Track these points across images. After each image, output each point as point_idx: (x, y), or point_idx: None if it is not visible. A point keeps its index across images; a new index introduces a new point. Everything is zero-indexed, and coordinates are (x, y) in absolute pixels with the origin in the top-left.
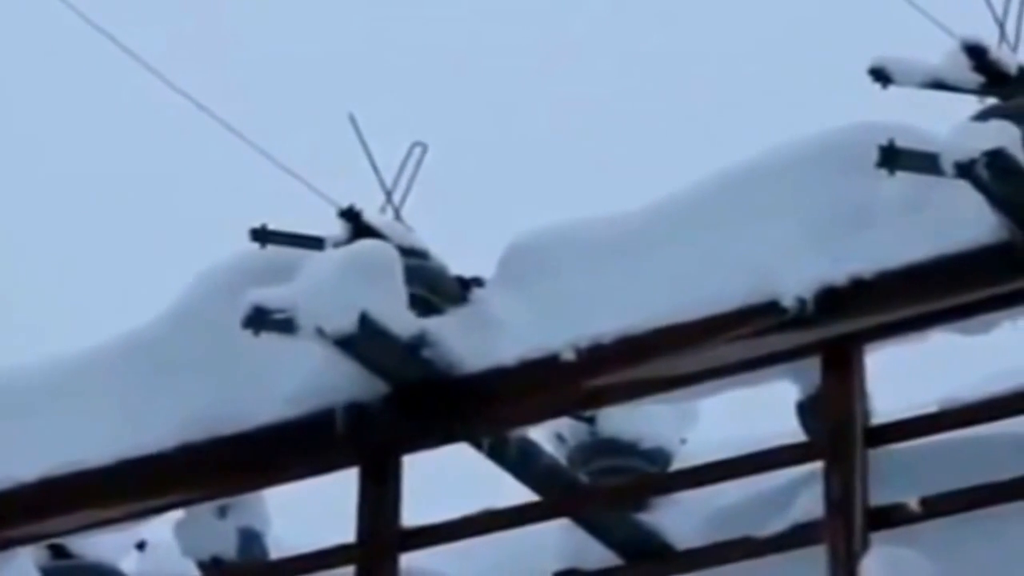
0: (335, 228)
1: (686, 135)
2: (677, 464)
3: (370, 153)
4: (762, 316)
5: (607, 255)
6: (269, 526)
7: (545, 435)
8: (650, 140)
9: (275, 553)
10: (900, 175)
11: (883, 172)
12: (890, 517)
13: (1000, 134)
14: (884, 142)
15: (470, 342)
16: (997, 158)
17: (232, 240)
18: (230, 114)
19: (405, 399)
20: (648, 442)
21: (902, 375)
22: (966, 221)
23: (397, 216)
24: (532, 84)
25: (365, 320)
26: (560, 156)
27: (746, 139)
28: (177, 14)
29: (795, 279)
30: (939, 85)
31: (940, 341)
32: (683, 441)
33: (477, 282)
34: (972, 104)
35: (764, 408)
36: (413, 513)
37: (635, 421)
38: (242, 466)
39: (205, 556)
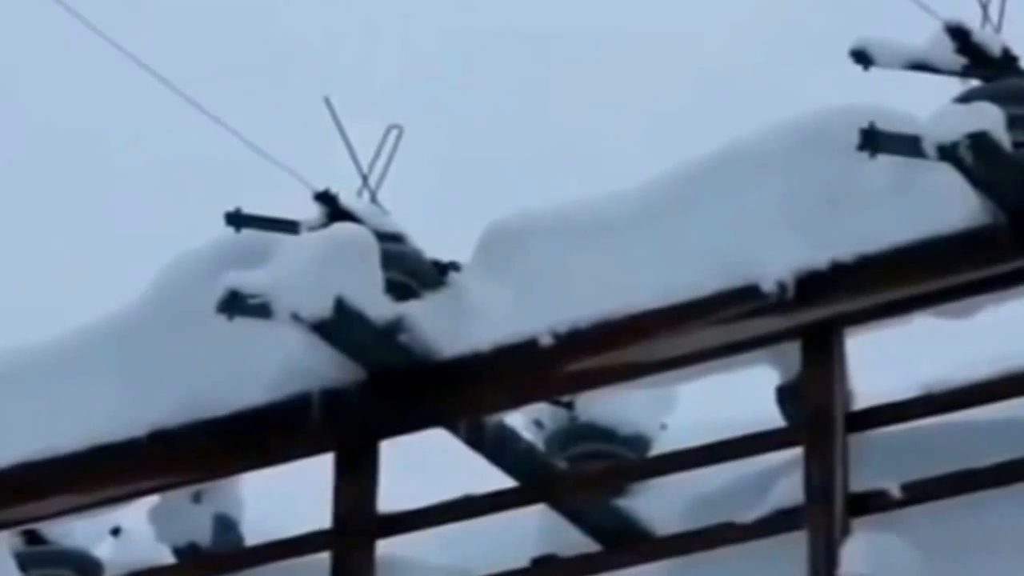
0: (311, 212)
1: (665, 118)
2: (656, 450)
3: (346, 136)
4: (742, 300)
5: (586, 239)
6: (244, 512)
7: (523, 421)
8: (629, 123)
9: (250, 538)
10: (882, 158)
11: (864, 155)
12: (871, 503)
13: (983, 116)
14: (865, 125)
15: (447, 327)
16: (980, 140)
17: (207, 224)
18: (206, 98)
19: (381, 384)
20: (627, 428)
21: (884, 360)
22: (949, 204)
23: (373, 200)
24: (510, 66)
25: (341, 305)
26: (539, 139)
27: (727, 122)
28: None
29: (775, 263)
30: (922, 67)
31: (922, 325)
32: (663, 427)
33: (454, 266)
34: (955, 86)
35: (744, 393)
36: (392, 500)
37: (614, 407)
38: (217, 452)
39: (180, 542)
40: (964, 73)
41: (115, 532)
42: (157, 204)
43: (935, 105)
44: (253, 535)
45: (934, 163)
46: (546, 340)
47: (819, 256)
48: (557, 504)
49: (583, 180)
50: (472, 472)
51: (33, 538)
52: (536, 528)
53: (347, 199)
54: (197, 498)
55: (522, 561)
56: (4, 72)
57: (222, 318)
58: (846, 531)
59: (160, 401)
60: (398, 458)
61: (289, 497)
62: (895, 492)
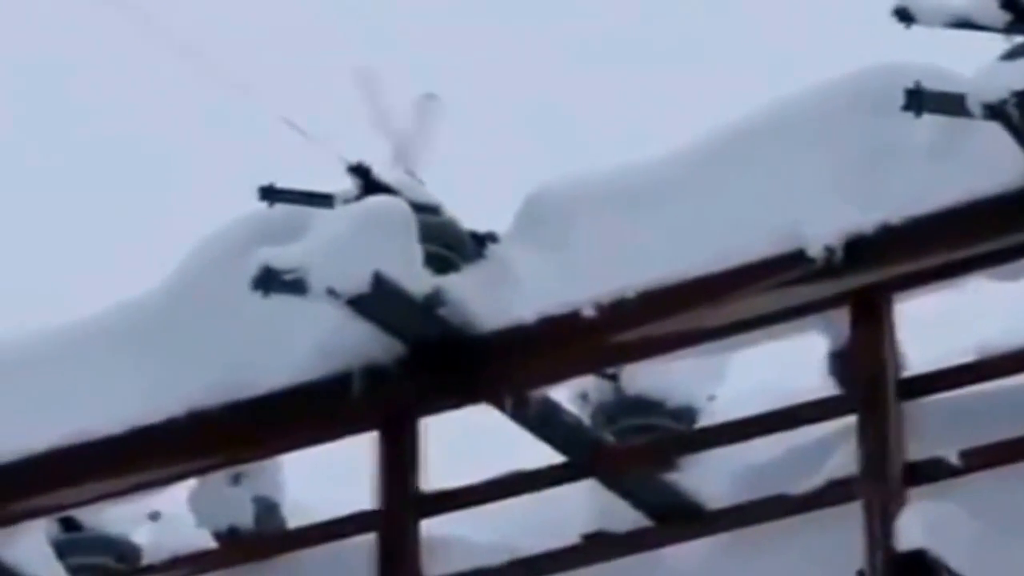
0: (345, 185)
1: (709, 79)
2: (705, 421)
3: (378, 105)
4: (789, 266)
5: (628, 206)
6: (285, 494)
7: (568, 395)
8: (672, 85)
9: (292, 519)
10: (930, 118)
11: (910, 115)
12: (928, 472)
13: None
14: (911, 84)
15: (487, 299)
16: None
17: (240, 200)
18: (236, 71)
19: (422, 359)
20: (675, 399)
21: (937, 325)
22: (997, 164)
23: (408, 172)
24: (546, 28)
25: (378, 279)
26: (577, 104)
27: (770, 83)
28: None
29: (822, 227)
30: (965, 24)
31: (976, 288)
32: (711, 398)
33: (493, 237)
34: (1000, 43)
35: (796, 361)
36: (439, 477)
37: (661, 378)
38: (256, 432)
39: (221, 526)
40: (1008, 30)
41: (153, 517)
42: (188, 178)
43: (979, 63)
44: (295, 514)
45: (982, 122)
46: (589, 311)
47: (867, 219)
48: (605, 479)
49: (624, 144)
50: (519, 449)
51: (70, 525)
52: (585, 504)
53: (381, 171)
54: (237, 481)
55: (572, 538)
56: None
57: (257, 295)
58: (902, 501)
59: (196, 381)
60: (444, 436)
61: (332, 477)
62: (953, 460)
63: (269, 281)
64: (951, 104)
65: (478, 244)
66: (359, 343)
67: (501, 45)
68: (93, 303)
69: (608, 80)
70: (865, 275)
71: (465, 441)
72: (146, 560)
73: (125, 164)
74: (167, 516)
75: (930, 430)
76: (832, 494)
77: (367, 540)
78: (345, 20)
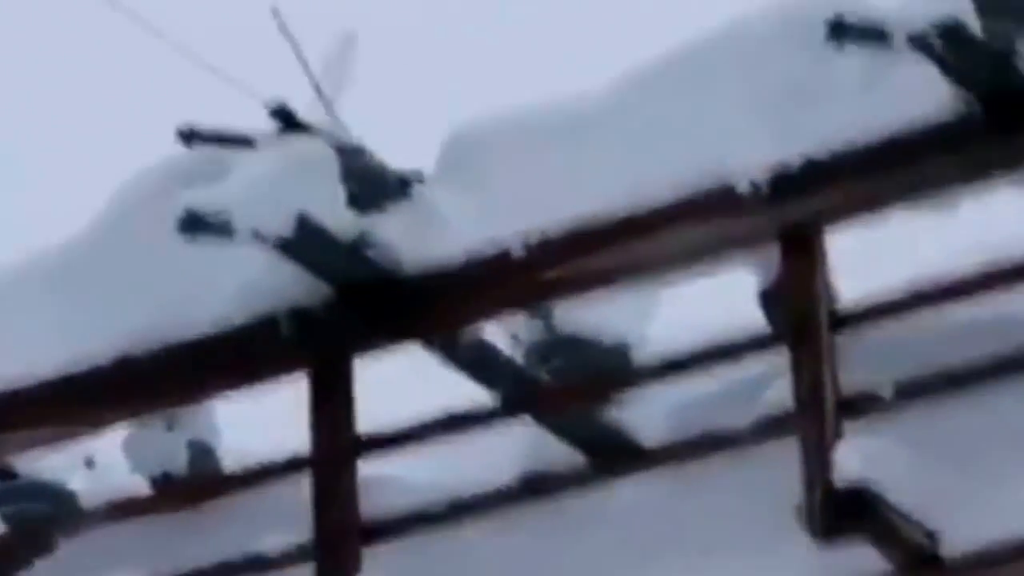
0: (266, 127)
1: (629, 12)
2: (638, 359)
3: (297, 46)
4: (715, 202)
5: (553, 142)
6: (220, 438)
7: (501, 335)
8: (592, 18)
9: (228, 463)
10: (855, 49)
11: (833, 47)
12: (863, 406)
13: (952, 3)
14: (833, 16)
15: (414, 239)
16: (950, 28)
17: (157, 144)
18: (150, 13)
19: (350, 301)
20: (608, 337)
21: (870, 257)
22: (922, 95)
23: (330, 112)
24: None
25: (303, 221)
26: (498, 39)
27: (692, 14)
28: None
29: (747, 162)
30: None
31: (905, 220)
32: (643, 336)
33: (418, 177)
34: None
35: (729, 297)
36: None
37: (594, 316)
38: (184, 376)
39: (155, 471)
40: None
41: (89, 463)
42: (102, 122)
43: None
44: (231, 460)
45: (905, 53)
46: (516, 249)
47: (792, 152)
48: (540, 418)
49: (547, 79)
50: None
51: (4, 473)
52: (520, 443)
53: (303, 112)
54: (171, 426)
55: (508, 477)
56: None
57: (179, 240)
58: (838, 435)
59: (123, 327)
60: (376, 379)
61: (271, 424)
62: (887, 393)
63: (194, 224)
64: (874, 36)
65: (403, 184)
66: (286, 285)
67: None
68: (14, 249)
69: (531, 11)
70: (792, 209)
71: (398, 384)
72: (82, 506)
73: (38, 106)
74: (102, 462)
75: (864, 363)
76: (768, 430)
77: (303, 482)
78: None
